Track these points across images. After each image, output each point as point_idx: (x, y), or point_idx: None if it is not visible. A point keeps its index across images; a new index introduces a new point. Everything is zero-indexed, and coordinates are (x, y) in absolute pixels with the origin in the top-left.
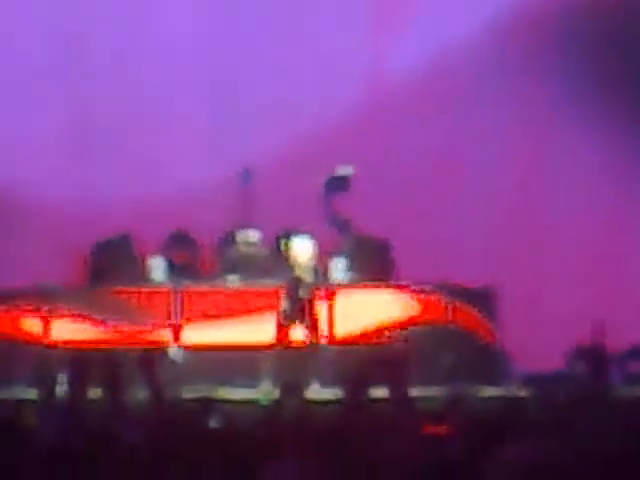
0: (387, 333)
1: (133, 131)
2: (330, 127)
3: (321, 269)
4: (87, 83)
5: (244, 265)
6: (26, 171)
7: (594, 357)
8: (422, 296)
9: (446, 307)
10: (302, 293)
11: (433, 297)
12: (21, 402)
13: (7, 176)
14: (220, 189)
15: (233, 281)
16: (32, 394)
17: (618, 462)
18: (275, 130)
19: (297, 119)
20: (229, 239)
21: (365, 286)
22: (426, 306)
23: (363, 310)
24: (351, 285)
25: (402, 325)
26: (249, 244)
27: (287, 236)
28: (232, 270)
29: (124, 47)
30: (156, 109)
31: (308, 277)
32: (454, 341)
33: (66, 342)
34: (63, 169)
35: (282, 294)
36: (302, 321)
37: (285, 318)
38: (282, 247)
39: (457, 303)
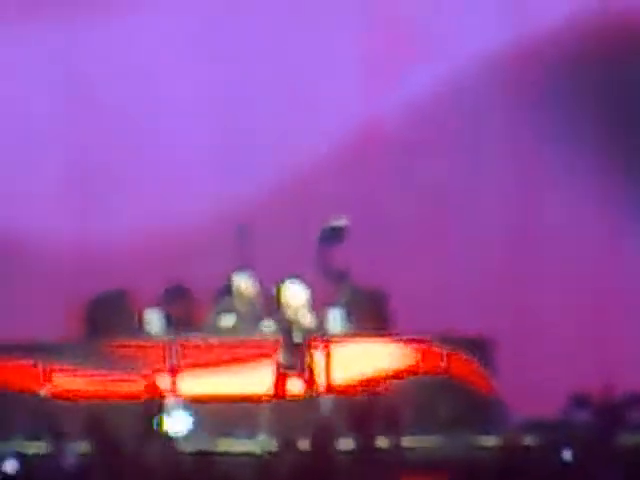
0: (383, 383)
1: (131, 179)
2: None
3: (316, 315)
4: (86, 128)
5: (237, 306)
6: (25, 220)
7: (597, 405)
8: (418, 346)
9: (442, 357)
10: (296, 337)
11: (429, 347)
12: (23, 456)
13: (6, 224)
14: (218, 238)
15: (227, 320)
16: (31, 447)
17: None
18: (272, 177)
19: (288, 161)
20: (225, 288)
21: (362, 336)
22: (422, 356)
23: (360, 360)
24: (347, 336)
25: (398, 375)
26: (243, 288)
27: (280, 280)
28: (226, 311)
29: (123, 92)
30: (155, 155)
31: (301, 320)
32: (450, 391)
33: (65, 395)
34: (61, 218)
35: (278, 343)
36: (299, 370)
37: (282, 367)
38: (274, 291)
39: (453, 353)
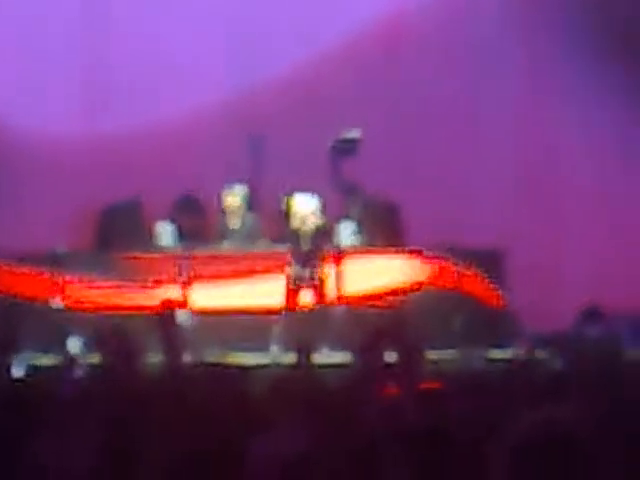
0: (394, 297)
1: (143, 81)
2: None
3: (327, 228)
4: (99, 31)
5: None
6: (34, 121)
7: (606, 319)
8: (430, 261)
9: (454, 273)
10: (304, 246)
11: (440, 263)
12: (36, 367)
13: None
14: (230, 144)
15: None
16: (44, 359)
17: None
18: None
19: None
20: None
21: (373, 251)
22: (434, 272)
23: (371, 273)
24: (359, 249)
25: (409, 289)
26: (232, 211)
27: (289, 194)
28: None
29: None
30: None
31: (310, 229)
32: (461, 307)
33: (77, 306)
34: (72, 121)
35: (288, 255)
36: (310, 282)
37: (292, 279)
38: (283, 205)
39: (465, 269)
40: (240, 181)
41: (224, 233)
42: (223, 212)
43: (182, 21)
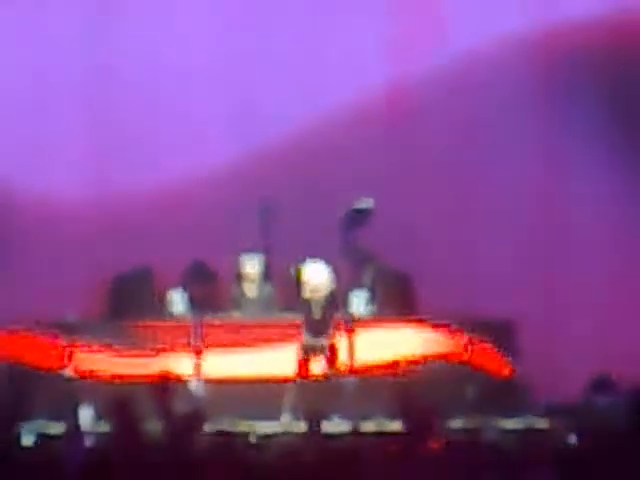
0: (405, 369)
1: (148, 142)
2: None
3: (339, 298)
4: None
5: (245, 291)
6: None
7: (616, 388)
8: (442, 334)
9: (465, 346)
10: (317, 315)
11: (453, 334)
12: (45, 436)
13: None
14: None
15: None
16: (54, 428)
17: None
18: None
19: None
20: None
21: (385, 321)
22: (446, 344)
23: (382, 344)
24: (371, 319)
25: (421, 361)
26: (251, 279)
27: (300, 262)
28: (236, 308)
29: (140, 54)
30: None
31: (321, 301)
32: (472, 379)
33: (88, 374)
34: (79, 183)
35: (301, 324)
36: (322, 352)
37: (305, 348)
38: (293, 273)
39: (476, 341)
40: (253, 249)
41: (240, 301)
42: (239, 279)
43: (184, 83)
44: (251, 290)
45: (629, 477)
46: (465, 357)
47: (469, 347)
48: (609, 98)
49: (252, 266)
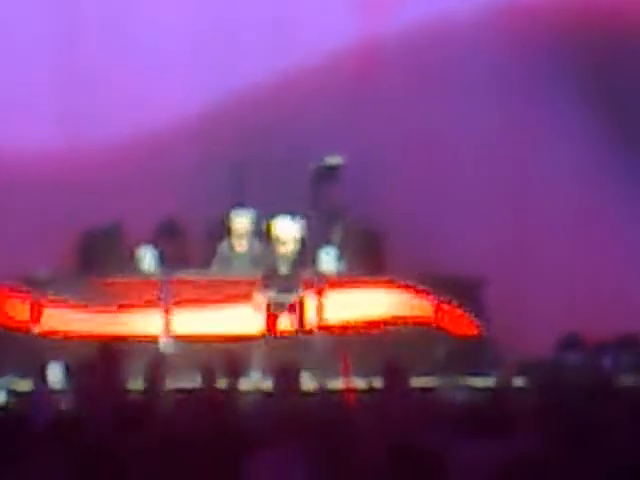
0: (375, 329)
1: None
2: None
3: (308, 254)
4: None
5: (238, 261)
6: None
7: (585, 346)
8: (411, 295)
9: (434, 309)
10: (283, 270)
11: (421, 297)
12: (14, 393)
13: None
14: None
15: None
16: (23, 385)
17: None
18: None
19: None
20: (220, 229)
21: (355, 282)
22: (415, 306)
23: (352, 305)
24: (340, 278)
25: (390, 323)
26: (242, 234)
27: (271, 217)
28: (226, 268)
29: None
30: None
31: (290, 256)
32: (442, 337)
33: (56, 331)
34: (44, 130)
35: (267, 281)
36: (289, 308)
37: (272, 305)
38: (264, 228)
39: (445, 303)
40: (241, 205)
41: (230, 257)
42: (229, 235)
43: (153, 33)
44: (241, 246)
45: (598, 433)
46: (434, 320)
47: (438, 310)
48: (586, 66)
49: (241, 222)
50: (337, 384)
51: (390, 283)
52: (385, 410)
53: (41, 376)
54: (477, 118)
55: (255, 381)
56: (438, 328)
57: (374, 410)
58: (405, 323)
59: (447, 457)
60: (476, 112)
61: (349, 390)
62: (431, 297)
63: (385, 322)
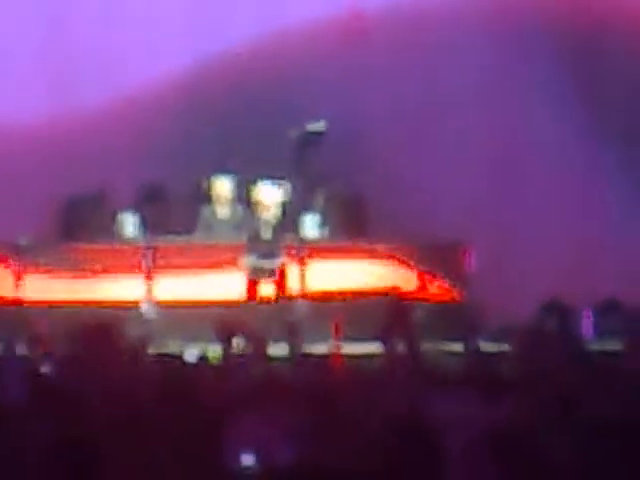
0: (351, 297)
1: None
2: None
3: (291, 219)
4: None
5: (220, 227)
6: None
7: (566, 312)
8: (393, 266)
9: (416, 279)
10: (266, 235)
11: (403, 266)
12: None
13: None
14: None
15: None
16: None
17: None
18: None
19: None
20: (204, 193)
21: (337, 251)
22: (396, 277)
23: (333, 274)
24: (322, 245)
25: (370, 292)
26: (225, 200)
27: (253, 181)
28: (209, 233)
29: None
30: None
31: (272, 221)
32: (422, 305)
33: (38, 299)
34: (30, 95)
35: (248, 245)
36: (271, 274)
37: (253, 271)
38: (247, 193)
39: (426, 274)
40: (223, 170)
41: (212, 222)
42: (211, 200)
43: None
44: (223, 212)
45: (578, 401)
46: (415, 291)
47: (420, 280)
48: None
49: (223, 187)
50: (319, 350)
51: (372, 252)
52: (375, 375)
53: (10, 344)
54: (464, 83)
55: (237, 347)
56: (420, 299)
57: (363, 375)
58: (386, 293)
59: (432, 419)
60: (463, 77)
61: (337, 355)
62: (413, 268)
63: (366, 292)
